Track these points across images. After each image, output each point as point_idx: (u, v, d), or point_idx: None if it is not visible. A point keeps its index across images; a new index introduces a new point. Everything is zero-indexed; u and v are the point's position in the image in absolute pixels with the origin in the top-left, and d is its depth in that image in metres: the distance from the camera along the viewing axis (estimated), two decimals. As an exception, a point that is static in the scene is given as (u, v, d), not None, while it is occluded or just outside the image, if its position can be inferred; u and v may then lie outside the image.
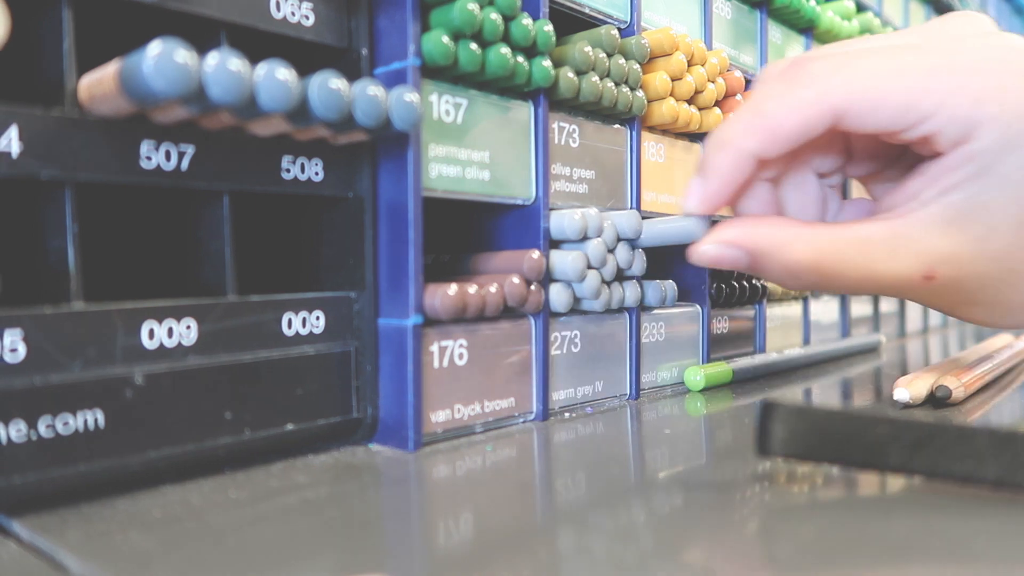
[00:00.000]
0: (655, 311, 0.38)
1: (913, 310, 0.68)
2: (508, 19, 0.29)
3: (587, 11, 0.34)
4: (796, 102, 0.24)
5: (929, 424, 0.21)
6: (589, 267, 0.32)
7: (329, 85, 0.22)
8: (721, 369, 0.40)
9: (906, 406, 0.34)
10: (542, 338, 0.31)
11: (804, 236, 0.25)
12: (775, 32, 0.48)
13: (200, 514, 0.20)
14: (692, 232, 0.29)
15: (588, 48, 0.32)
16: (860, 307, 0.59)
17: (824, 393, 0.40)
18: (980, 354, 0.43)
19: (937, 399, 0.34)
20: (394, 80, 0.27)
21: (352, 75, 0.27)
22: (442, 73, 0.28)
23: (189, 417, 0.23)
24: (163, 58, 0.19)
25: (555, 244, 0.33)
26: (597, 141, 0.35)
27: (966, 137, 0.23)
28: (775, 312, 0.48)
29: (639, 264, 0.34)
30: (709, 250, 0.26)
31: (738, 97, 0.42)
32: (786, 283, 0.26)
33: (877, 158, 0.28)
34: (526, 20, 0.29)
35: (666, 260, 0.41)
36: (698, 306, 0.41)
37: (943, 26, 0.26)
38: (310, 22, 0.26)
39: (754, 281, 0.44)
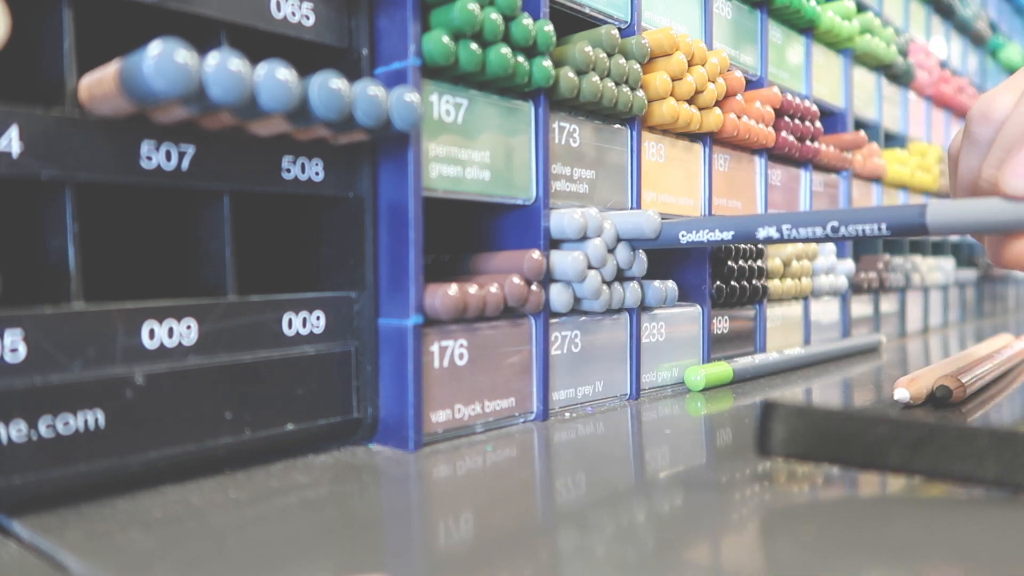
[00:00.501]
0: (655, 311, 0.38)
1: (913, 310, 0.68)
2: (508, 19, 0.29)
3: (587, 11, 0.34)
4: None
5: (929, 424, 0.21)
6: (589, 267, 0.32)
7: (329, 85, 0.22)
8: (721, 369, 0.40)
9: (906, 406, 0.34)
10: (542, 338, 0.31)
11: None
12: (775, 32, 0.48)
13: (200, 514, 0.20)
14: (1016, 222, 0.23)
15: (588, 48, 0.32)
16: (860, 307, 0.59)
17: (824, 393, 0.40)
18: (980, 354, 0.43)
19: (937, 399, 0.34)
20: (394, 80, 0.27)
21: (352, 75, 0.27)
22: (442, 73, 0.28)
23: (189, 417, 0.23)
24: (163, 58, 0.19)
25: (555, 244, 0.33)
26: (597, 141, 0.35)
27: None
28: (775, 312, 0.48)
29: (639, 264, 0.35)
30: None
31: (738, 97, 0.42)
32: None
33: None
34: (526, 20, 0.29)
35: (666, 260, 0.41)
36: (698, 306, 0.41)
37: None
38: (310, 22, 0.26)
39: (754, 281, 0.44)
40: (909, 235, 0.27)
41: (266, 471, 0.24)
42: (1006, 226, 0.24)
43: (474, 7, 0.27)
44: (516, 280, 0.29)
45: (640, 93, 0.35)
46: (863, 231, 0.27)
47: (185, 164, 0.23)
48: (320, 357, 0.26)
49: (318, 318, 0.26)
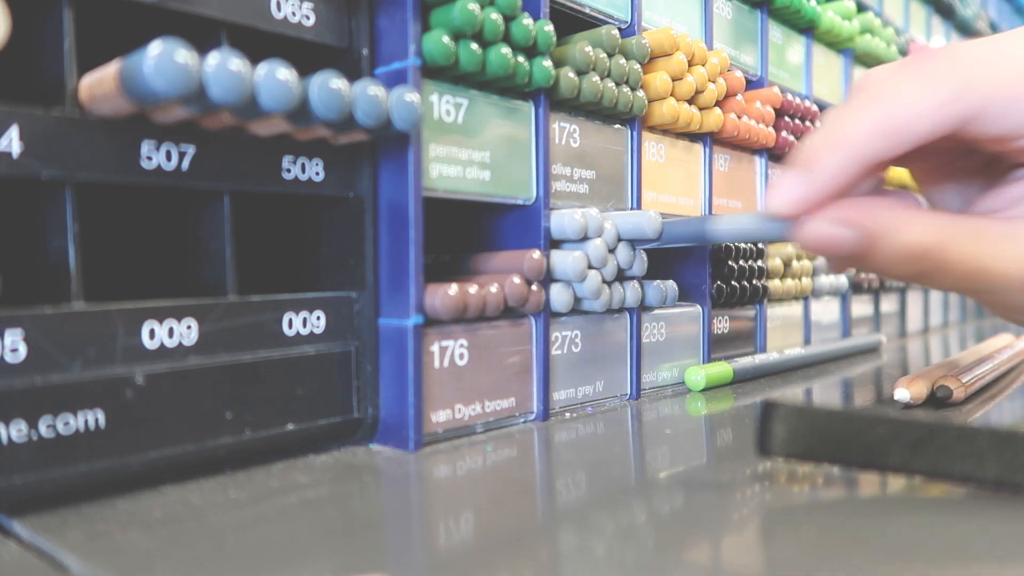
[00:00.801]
0: (656, 311, 0.38)
1: (914, 310, 0.68)
2: (509, 19, 0.29)
3: (587, 11, 0.34)
4: (930, 100, 0.22)
5: (929, 424, 0.21)
6: (590, 267, 0.32)
7: (329, 85, 0.22)
8: (722, 369, 0.40)
9: (906, 406, 0.34)
10: (543, 338, 0.31)
11: (923, 218, 0.23)
12: (775, 32, 0.48)
13: (200, 514, 0.20)
14: (773, 233, 0.27)
15: (588, 48, 0.32)
16: (861, 307, 0.59)
17: (824, 393, 0.40)
18: (981, 354, 0.43)
19: (937, 399, 0.34)
20: (394, 80, 0.27)
21: (352, 75, 0.27)
22: (442, 73, 0.28)
23: (189, 417, 0.23)
24: (163, 58, 0.19)
25: (555, 244, 0.33)
26: (597, 141, 0.35)
27: None
28: (776, 312, 0.48)
29: (639, 264, 0.34)
30: (820, 228, 0.23)
31: (738, 97, 0.42)
32: (892, 271, 0.24)
33: (940, 154, 0.26)
34: (526, 20, 0.29)
35: (667, 260, 0.41)
36: (699, 306, 0.41)
37: None
38: (310, 22, 0.26)
39: (755, 281, 0.44)
40: (703, 243, 0.31)
41: (266, 471, 0.24)
42: (757, 235, 0.28)
43: (474, 7, 0.27)
44: (516, 280, 0.29)
45: (640, 93, 0.35)
46: (679, 241, 0.32)
47: (185, 164, 0.23)
48: (320, 357, 0.26)
49: (318, 318, 0.26)
